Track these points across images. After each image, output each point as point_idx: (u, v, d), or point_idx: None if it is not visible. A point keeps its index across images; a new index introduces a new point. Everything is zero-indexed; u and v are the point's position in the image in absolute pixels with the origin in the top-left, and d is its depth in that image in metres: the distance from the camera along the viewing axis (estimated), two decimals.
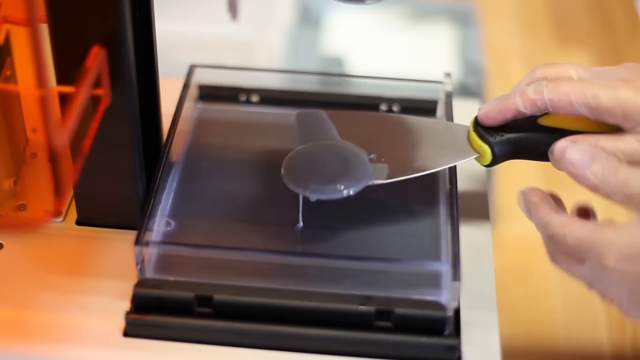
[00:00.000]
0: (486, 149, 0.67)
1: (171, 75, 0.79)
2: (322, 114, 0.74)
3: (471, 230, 0.71)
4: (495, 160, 0.67)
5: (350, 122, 0.73)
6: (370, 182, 0.68)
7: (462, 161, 0.69)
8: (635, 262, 0.59)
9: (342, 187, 0.67)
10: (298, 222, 0.69)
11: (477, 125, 0.68)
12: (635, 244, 0.59)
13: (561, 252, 0.63)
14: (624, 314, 0.61)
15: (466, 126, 0.69)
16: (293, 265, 0.65)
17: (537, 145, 0.66)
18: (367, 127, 0.73)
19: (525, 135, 0.66)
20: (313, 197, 0.67)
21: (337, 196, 0.67)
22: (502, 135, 0.66)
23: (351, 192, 0.67)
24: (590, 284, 0.62)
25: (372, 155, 0.70)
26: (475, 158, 0.68)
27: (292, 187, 0.68)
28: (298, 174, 0.69)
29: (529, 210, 0.65)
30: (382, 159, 0.70)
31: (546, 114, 0.66)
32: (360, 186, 0.67)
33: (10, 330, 0.64)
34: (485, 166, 0.68)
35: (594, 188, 0.61)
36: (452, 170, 0.70)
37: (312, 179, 0.68)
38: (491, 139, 0.67)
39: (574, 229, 0.61)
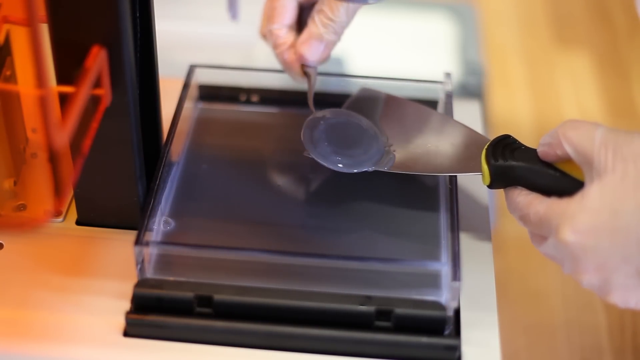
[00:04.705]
0: (486, 170, 0.66)
1: (171, 75, 0.79)
2: (380, 95, 0.76)
3: (471, 230, 0.71)
4: (494, 183, 0.66)
5: (397, 109, 0.75)
6: (371, 169, 0.70)
7: (467, 174, 0.68)
8: (594, 234, 0.58)
9: (340, 163, 0.71)
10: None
11: (491, 144, 0.67)
12: (591, 216, 0.58)
13: (533, 232, 0.64)
14: (604, 298, 0.60)
15: (486, 138, 0.69)
16: (293, 265, 0.65)
17: (535, 177, 0.64)
18: (406, 117, 0.74)
19: (526, 166, 0.64)
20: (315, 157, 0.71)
21: (332, 167, 0.71)
22: (506, 161, 0.65)
23: (344, 170, 0.71)
24: (561, 264, 0.61)
25: (389, 142, 0.72)
26: (481, 176, 0.68)
27: (304, 140, 0.71)
28: (314, 132, 0.72)
29: (506, 200, 0.66)
30: (394, 150, 0.71)
31: None
32: (359, 169, 0.71)
33: (10, 330, 0.64)
34: (488, 187, 0.67)
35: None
36: None
37: (321, 142, 0.71)
38: (493, 162, 0.66)
39: (535, 206, 0.62)
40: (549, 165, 0.64)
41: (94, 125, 0.62)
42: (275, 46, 0.75)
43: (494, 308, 0.66)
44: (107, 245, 0.70)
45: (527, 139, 0.67)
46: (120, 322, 0.64)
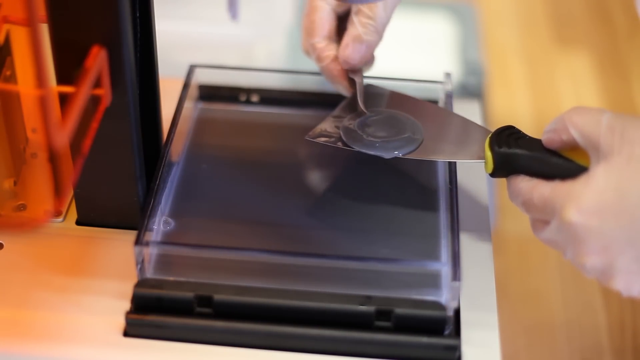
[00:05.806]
0: (489, 157, 0.66)
1: (171, 75, 0.79)
2: (384, 91, 0.76)
3: (471, 230, 0.71)
4: (497, 171, 0.66)
5: (401, 105, 0.75)
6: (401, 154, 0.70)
7: (469, 161, 0.68)
8: (600, 214, 0.58)
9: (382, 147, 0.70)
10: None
11: (495, 132, 0.67)
12: (597, 196, 0.58)
13: (534, 218, 0.63)
14: (607, 283, 0.60)
15: (489, 131, 0.69)
16: (293, 265, 0.65)
17: (539, 166, 0.64)
18: (410, 113, 0.74)
19: (530, 154, 0.64)
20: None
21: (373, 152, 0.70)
22: (510, 149, 0.65)
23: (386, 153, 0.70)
24: (563, 249, 0.61)
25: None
26: (484, 164, 0.68)
27: (344, 136, 0.71)
28: (357, 127, 0.72)
29: (508, 188, 0.65)
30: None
31: None
32: (401, 151, 0.70)
33: (10, 330, 0.64)
34: (490, 175, 0.67)
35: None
36: (452, 170, 0.70)
37: (362, 134, 0.71)
38: (497, 149, 0.66)
39: (539, 189, 0.62)
40: (553, 152, 0.64)
41: (94, 125, 0.62)
42: (318, 59, 0.74)
43: (494, 308, 0.66)
44: (107, 245, 0.70)
45: None
46: (120, 322, 0.64)
